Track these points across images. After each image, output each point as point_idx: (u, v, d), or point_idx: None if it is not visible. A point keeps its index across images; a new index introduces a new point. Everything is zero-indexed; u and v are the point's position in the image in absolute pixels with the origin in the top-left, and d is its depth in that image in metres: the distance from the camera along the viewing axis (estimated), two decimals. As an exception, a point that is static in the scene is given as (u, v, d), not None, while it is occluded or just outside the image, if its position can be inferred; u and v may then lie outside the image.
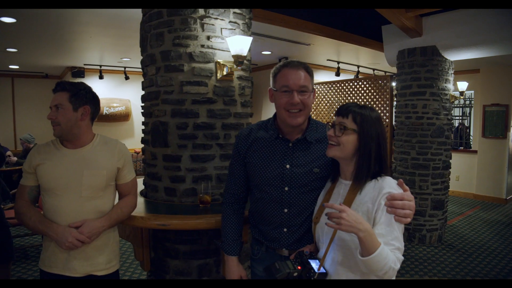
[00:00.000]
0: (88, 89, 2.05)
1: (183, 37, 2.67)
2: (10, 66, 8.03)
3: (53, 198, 1.94)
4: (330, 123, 1.65)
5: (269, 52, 6.86)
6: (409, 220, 1.48)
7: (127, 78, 7.96)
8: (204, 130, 2.69)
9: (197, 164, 2.70)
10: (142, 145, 3.03)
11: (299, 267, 1.58)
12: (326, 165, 1.78)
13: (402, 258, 1.46)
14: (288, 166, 1.79)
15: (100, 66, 7.76)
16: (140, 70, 8.35)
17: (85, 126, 2.00)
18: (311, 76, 1.78)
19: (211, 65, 2.72)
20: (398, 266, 1.42)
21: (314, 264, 1.59)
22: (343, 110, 1.61)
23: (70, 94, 1.95)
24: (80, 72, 7.94)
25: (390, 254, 1.40)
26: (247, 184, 1.99)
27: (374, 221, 1.50)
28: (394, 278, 1.48)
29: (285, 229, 1.83)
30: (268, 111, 7.18)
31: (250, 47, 2.81)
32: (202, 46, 2.70)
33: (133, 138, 8.62)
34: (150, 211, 2.57)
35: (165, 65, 2.70)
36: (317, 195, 1.79)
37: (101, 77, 7.85)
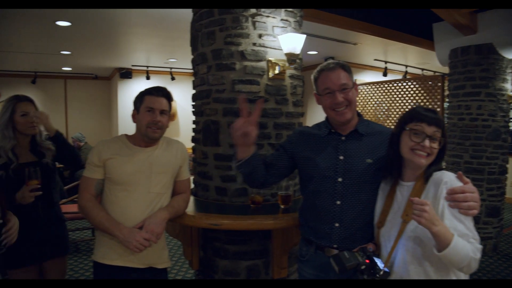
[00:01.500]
0: None
1: (235, 35, 2.65)
2: (63, 68, 8.35)
3: (123, 193, 2.01)
4: (417, 132, 1.55)
5: (315, 52, 6.77)
6: (475, 212, 1.47)
7: (173, 79, 8.08)
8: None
9: (249, 164, 2.66)
10: (192, 144, 3.03)
11: (367, 261, 1.59)
12: (378, 157, 1.78)
13: (480, 246, 1.43)
14: (341, 157, 1.82)
15: (147, 67, 7.92)
16: (186, 71, 8.52)
17: None
18: (349, 72, 1.83)
19: (263, 64, 2.69)
20: (478, 255, 1.41)
21: (379, 262, 1.59)
22: (434, 119, 1.55)
23: (169, 101, 2.12)
24: (128, 73, 8.13)
25: (466, 244, 1.40)
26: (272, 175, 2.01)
27: (441, 216, 1.47)
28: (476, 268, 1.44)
29: (336, 224, 1.80)
30: (314, 110, 7.08)
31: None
32: (254, 44, 2.67)
33: (178, 137, 8.73)
34: (200, 210, 2.56)
35: (217, 64, 2.69)
36: (371, 189, 1.77)
37: (148, 78, 8.02)
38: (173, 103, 7.88)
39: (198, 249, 2.91)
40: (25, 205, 2.11)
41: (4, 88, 8.52)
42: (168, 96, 2.11)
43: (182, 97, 8.60)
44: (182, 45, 5.99)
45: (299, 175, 2.03)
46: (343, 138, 1.86)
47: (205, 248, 2.86)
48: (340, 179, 1.80)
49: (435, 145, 1.54)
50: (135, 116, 2.10)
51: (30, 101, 2.39)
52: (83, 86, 9.33)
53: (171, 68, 8.01)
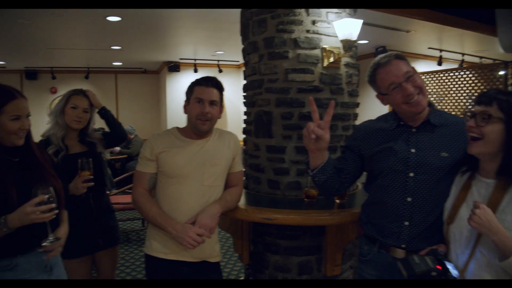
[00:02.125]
0: None
1: (287, 23, 2.55)
2: (114, 63, 8.58)
3: (177, 186, 1.97)
4: (468, 113, 1.44)
5: (365, 41, 6.51)
6: None
7: (220, 71, 8.10)
8: (310, 120, 2.53)
9: (302, 156, 2.56)
10: (243, 136, 2.96)
11: (438, 266, 1.45)
12: (455, 150, 1.63)
13: None
14: (413, 150, 1.67)
15: (195, 60, 7.97)
16: (234, 63, 8.51)
17: None
18: (405, 59, 1.70)
19: (317, 52, 2.57)
20: None
21: (451, 267, 1.45)
22: (485, 98, 1.42)
23: (220, 92, 2.04)
24: (176, 66, 8.22)
25: None
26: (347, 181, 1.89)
27: None
28: None
29: (406, 222, 1.66)
30: (368, 102, 6.80)
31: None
32: (307, 31, 2.56)
33: (226, 130, 8.80)
34: (252, 203, 2.49)
35: (269, 52, 2.60)
36: (446, 186, 1.62)
37: (195, 71, 8.07)
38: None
39: (248, 243, 2.86)
40: (78, 196, 2.13)
41: (60, 84, 8.94)
42: (218, 86, 2.03)
43: (230, 90, 8.61)
44: (230, 37, 5.98)
45: (366, 171, 1.89)
46: (413, 130, 1.70)
47: (256, 242, 2.80)
48: (411, 174, 1.65)
49: (486, 127, 1.38)
50: (186, 107, 2.05)
51: (85, 95, 2.42)
52: (133, 80, 9.56)
53: (218, 60, 8.02)
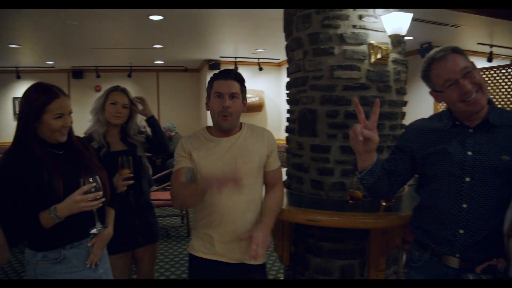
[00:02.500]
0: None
1: (333, 18, 2.47)
2: (156, 62, 8.72)
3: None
4: None
5: (410, 38, 6.27)
6: None
7: (260, 69, 8.06)
8: (356, 119, 2.41)
9: (348, 156, 2.47)
10: (286, 134, 2.90)
11: None
12: None
13: None
14: (470, 153, 1.54)
15: (235, 58, 7.97)
16: (274, 61, 8.43)
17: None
18: (463, 53, 1.57)
19: (364, 47, 2.47)
20: None
21: None
22: None
23: (241, 84, 1.94)
24: (216, 64, 8.24)
25: None
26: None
27: None
28: None
29: (461, 231, 1.54)
30: (416, 99, 6.55)
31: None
32: (354, 26, 2.46)
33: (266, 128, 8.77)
34: (294, 203, 2.43)
35: (313, 49, 2.52)
36: (506, 193, 1.48)
37: (236, 68, 8.07)
38: (261, 94, 7.83)
39: (289, 244, 2.80)
40: (118, 194, 2.13)
41: (104, 82, 9.18)
42: (238, 78, 1.94)
43: (270, 88, 8.59)
44: (271, 34, 5.92)
45: (418, 173, 1.77)
46: (470, 130, 1.58)
47: (297, 243, 2.74)
48: (468, 179, 1.53)
49: None
50: (207, 104, 1.98)
51: (124, 92, 2.43)
52: (174, 78, 9.69)
53: (258, 58, 7.98)
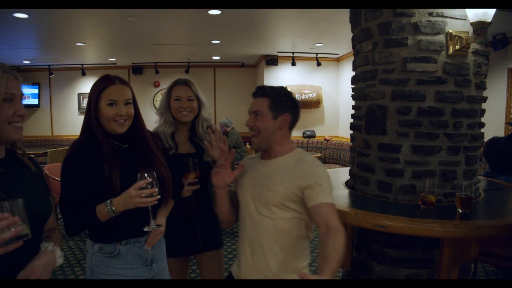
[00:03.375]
0: (289, 96, 1.78)
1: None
2: (213, 57, 8.75)
3: (242, 212, 1.78)
4: None
5: (483, 29, 5.83)
6: None
7: (319, 64, 7.84)
8: (431, 117, 2.24)
9: (419, 157, 2.27)
10: (350, 132, 2.73)
11: None
12: None
13: None
14: None
15: (293, 53, 7.81)
16: (332, 56, 8.17)
17: (282, 136, 1.74)
18: None
19: (441, 37, 2.25)
20: None
21: None
22: None
23: (271, 100, 1.73)
24: (273, 60, 8.13)
25: None
26: None
27: None
28: None
29: None
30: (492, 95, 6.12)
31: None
32: (430, 14, 2.25)
33: (323, 125, 8.50)
34: (358, 206, 2.26)
35: (384, 40, 2.33)
36: None
37: (293, 64, 7.92)
38: (318, 89, 7.60)
39: (351, 249, 2.64)
40: (182, 199, 2.02)
41: (163, 78, 9.40)
42: (269, 94, 1.75)
43: (328, 84, 8.36)
44: (331, 28, 5.72)
45: None
46: None
47: (360, 248, 2.58)
48: None
49: None
50: None
51: (186, 84, 2.25)
52: (230, 74, 9.69)
53: (317, 53, 7.77)
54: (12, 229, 1.06)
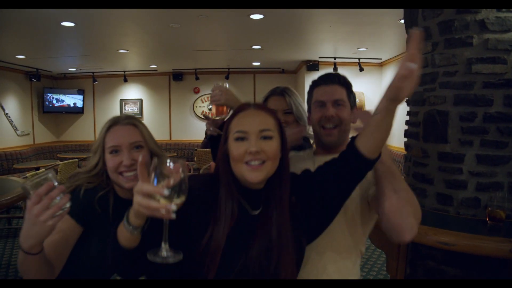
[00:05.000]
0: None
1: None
2: (253, 63, 8.72)
3: None
4: None
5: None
6: None
7: (361, 69, 7.64)
8: (498, 123, 2.05)
9: (485, 167, 2.08)
10: (404, 140, 2.56)
11: None
12: None
13: None
14: None
15: (335, 58, 7.66)
16: (375, 61, 7.95)
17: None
18: None
19: (511, 35, 2.05)
20: None
21: None
22: None
23: (348, 91, 1.56)
24: (315, 65, 7.99)
25: None
26: None
27: None
28: None
29: None
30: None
31: None
32: (499, 10, 2.05)
33: (365, 133, 8.35)
34: (414, 220, 2.08)
35: (446, 39, 2.16)
36: None
37: (335, 70, 7.75)
38: (361, 95, 7.37)
39: (405, 265, 2.45)
40: None
41: (203, 84, 9.47)
42: (343, 82, 1.55)
43: (370, 89, 8.14)
44: (375, 32, 5.54)
45: None
46: None
47: (414, 265, 2.40)
48: None
49: None
50: (309, 118, 1.63)
51: (282, 94, 2.05)
52: (270, 80, 9.61)
53: (359, 58, 7.57)
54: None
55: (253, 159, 1.09)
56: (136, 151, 1.42)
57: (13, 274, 4.21)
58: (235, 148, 1.11)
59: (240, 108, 1.19)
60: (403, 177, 1.68)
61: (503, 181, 2.08)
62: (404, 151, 2.63)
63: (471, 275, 2.16)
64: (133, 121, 1.47)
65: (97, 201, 1.40)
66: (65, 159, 7.72)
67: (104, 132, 1.44)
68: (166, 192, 0.93)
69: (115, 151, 1.40)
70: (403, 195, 1.21)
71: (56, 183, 1.01)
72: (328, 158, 1.26)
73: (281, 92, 2.01)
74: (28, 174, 5.84)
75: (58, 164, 7.00)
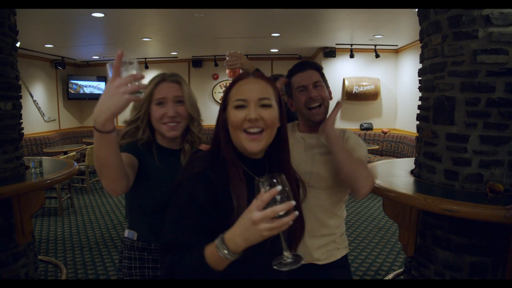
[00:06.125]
0: None
1: (478, -3, 2.31)
2: (271, 50, 8.91)
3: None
4: None
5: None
6: None
7: (377, 56, 7.78)
8: (500, 107, 2.29)
9: (488, 147, 2.33)
10: (416, 123, 2.81)
11: None
12: None
13: None
14: None
15: (351, 45, 7.81)
16: (391, 47, 8.06)
17: None
18: None
19: (513, 29, 2.28)
20: None
21: None
22: None
23: (320, 74, 1.82)
24: (331, 52, 8.16)
25: None
26: None
27: None
28: None
29: None
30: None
31: None
32: (503, 6, 2.28)
33: (380, 117, 8.45)
34: (424, 192, 2.34)
35: (454, 32, 2.39)
36: None
37: (351, 56, 7.90)
38: (377, 82, 7.52)
39: (415, 234, 2.72)
40: None
41: (221, 70, 9.70)
42: (316, 67, 1.82)
43: (386, 76, 8.27)
44: (391, 19, 5.68)
45: None
46: None
47: (424, 234, 2.66)
48: None
49: None
50: (292, 104, 1.88)
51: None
52: (288, 66, 9.47)
53: (375, 45, 7.73)
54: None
55: (252, 127, 1.11)
56: (179, 105, 1.62)
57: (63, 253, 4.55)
58: (234, 116, 1.13)
59: (240, 77, 1.20)
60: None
61: (504, 159, 2.32)
62: (414, 134, 2.89)
63: (474, 242, 2.41)
64: (178, 79, 1.67)
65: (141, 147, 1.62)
66: (90, 143, 8.06)
67: (153, 87, 1.63)
68: (293, 203, 0.91)
69: (161, 103, 1.60)
70: (352, 163, 1.61)
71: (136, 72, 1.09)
72: (314, 136, 1.76)
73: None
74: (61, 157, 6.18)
75: (86, 148, 7.37)
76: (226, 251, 0.95)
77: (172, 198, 1.13)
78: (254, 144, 1.12)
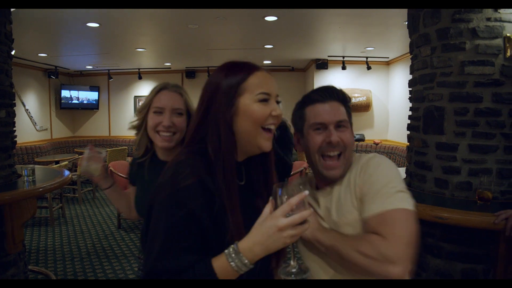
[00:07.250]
0: None
1: (465, 11, 2.38)
2: (264, 62, 8.95)
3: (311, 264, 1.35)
4: None
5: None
6: None
7: (369, 68, 7.87)
8: (487, 117, 2.35)
9: (476, 155, 2.39)
10: (407, 132, 2.87)
11: None
12: None
13: None
14: None
15: (343, 57, 7.88)
16: (382, 60, 8.14)
17: None
18: None
19: (499, 41, 2.36)
20: None
21: None
22: None
23: (346, 107, 1.31)
24: (324, 64, 8.22)
25: None
26: None
27: None
28: None
29: None
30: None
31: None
32: (488, 19, 2.36)
33: (372, 129, 8.50)
34: (416, 201, 2.37)
35: (443, 44, 2.46)
36: None
37: (343, 68, 7.97)
38: (368, 93, 7.59)
39: (406, 243, 2.74)
40: None
41: (214, 82, 9.70)
42: (342, 98, 1.30)
43: (377, 87, 8.35)
44: (382, 32, 5.76)
45: None
46: None
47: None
48: None
49: None
50: (299, 142, 1.37)
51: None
52: (280, 78, 9.87)
53: (367, 57, 7.82)
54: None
55: (273, 123, 1.04)
56: (177, 116, 1.57)
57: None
58: (261, 109, 1.02)
59: (251, 68, 1.10)
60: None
61: (492, 167, 2.38)
62: (405, 145, 2.94)
63: (464, 249, 2.44)
64: (179, 90, 1.64)
65: (137, 163, 1.71)
66: (82, 153, 8.02)
67: (153, 95, 1.60)
68: (311, 210, 0.89)
69: (159, 112, 1.56)
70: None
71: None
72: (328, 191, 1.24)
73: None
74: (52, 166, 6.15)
75: (78, 158, 7.34)
76: (243, 262, 0.89)
77: (157, 218, 0.97)
78: (269, 144, 1.06)
